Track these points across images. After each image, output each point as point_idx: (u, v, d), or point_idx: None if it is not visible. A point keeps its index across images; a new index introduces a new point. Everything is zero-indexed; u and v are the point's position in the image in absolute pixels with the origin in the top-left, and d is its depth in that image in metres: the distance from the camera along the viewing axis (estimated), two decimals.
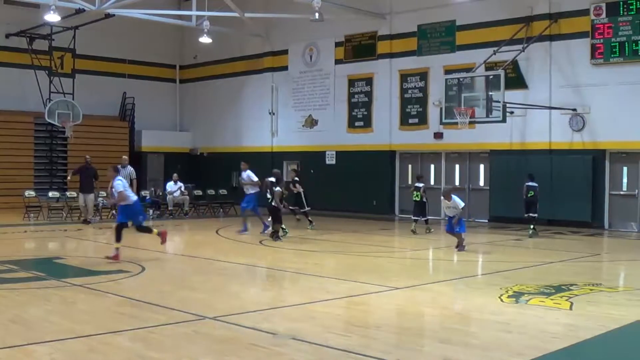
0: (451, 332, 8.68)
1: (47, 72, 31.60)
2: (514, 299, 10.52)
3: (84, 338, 7.99)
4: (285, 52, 32.47)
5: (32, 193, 25.22)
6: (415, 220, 21.58)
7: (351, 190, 29.06)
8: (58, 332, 8.32)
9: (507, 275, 13.07)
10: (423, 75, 27.55)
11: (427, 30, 27.37)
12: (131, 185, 21.97)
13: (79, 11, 27.42)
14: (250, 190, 21.04)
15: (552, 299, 10.51)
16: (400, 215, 28.18)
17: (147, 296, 10.67)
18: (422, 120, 27.56)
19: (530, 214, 20.59)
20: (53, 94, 31.27)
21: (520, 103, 23.35)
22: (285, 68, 32.50)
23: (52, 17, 24.93)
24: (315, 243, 18.83)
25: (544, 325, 8.91)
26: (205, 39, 28.95)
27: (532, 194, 20.58)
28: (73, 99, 31.21)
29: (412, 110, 27.94)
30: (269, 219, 19.35)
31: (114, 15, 28.22)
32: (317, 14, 23.61)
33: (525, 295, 10.83)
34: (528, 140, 24.56)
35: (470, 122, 22.56)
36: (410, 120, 27.98)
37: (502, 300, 10.50)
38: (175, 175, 28.10)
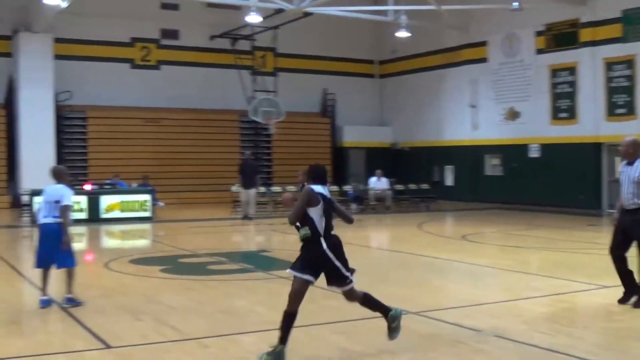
0: None
1: (250, 71, 32.89)
2: None
3: None
4: (483, 43, 31.85)
5: (239, 188, 26.10)
6: None
7: (555, 184, 28.07)
8: (263, 323, 8.59)
9: None
10: (630, 63, 26.13)
11: (632, 16, 25.91)
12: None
13: (279, 11, 28.24)
14: None
15: None
16: (608, 210, 26.89)
17: None
18: (630, 110, 26.15)
19: None
20: (256, 92, 32.47)
21: None
22: (484, 60, 31.87)
23: (254, 18, 25.92)
24: (520, 239, 18.38)
25: None
26: (402, 34, 28.93)
27: None
28: (276, 97, 32.26)
29: (619, 100, 26.59)
30: None
31: (312, 13, 28.81)
32: (516, 3, 23.05)
33: None
34: None
35: None
36: (617, 111, 26.64)
37: None
38: (378, 171, 27.88)
